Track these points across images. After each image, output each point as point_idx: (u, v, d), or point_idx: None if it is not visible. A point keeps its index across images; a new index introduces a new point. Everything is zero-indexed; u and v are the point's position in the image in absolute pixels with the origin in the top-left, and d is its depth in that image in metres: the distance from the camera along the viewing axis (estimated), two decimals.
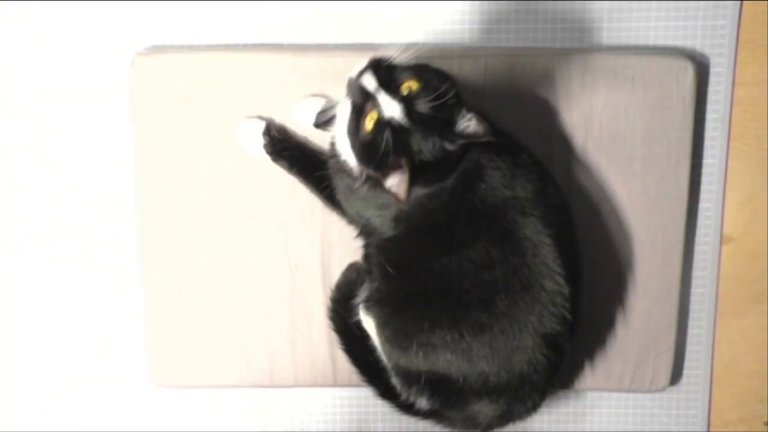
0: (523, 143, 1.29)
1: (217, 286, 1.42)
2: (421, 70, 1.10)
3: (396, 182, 1.09)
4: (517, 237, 1.20)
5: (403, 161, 1.08)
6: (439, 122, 1.08)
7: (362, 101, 1.09)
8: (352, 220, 1.32)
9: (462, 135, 1.09)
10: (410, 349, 1.25)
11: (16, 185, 1.47)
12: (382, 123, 1.07)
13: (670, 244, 1.41)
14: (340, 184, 1.25)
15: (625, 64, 1.37)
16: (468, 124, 1.09)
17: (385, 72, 1.09)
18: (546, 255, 1.20)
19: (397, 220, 1.22)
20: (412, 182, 1.09)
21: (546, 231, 1.20)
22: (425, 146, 1.08)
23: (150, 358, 1.46)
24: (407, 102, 1.07)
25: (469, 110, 1.09)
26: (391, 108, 1.07)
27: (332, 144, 1.24)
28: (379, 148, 1.07)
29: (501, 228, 1.20)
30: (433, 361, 1.25)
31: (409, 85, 1.08)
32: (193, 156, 1.39)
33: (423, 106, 1.07)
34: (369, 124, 1.08)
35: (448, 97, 1.07)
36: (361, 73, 1.09)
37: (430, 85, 1.08)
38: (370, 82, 1.08)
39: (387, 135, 1.06)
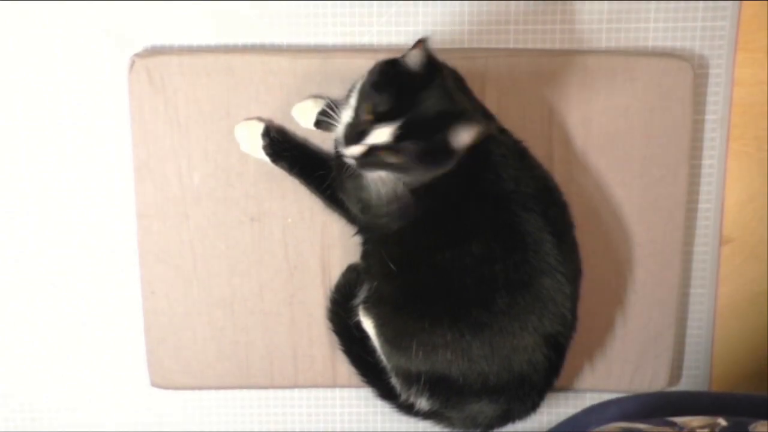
0: (523, 144, 1.29)
1: (217, 287, 1.43)
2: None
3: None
4: (519, 232, 1.20)
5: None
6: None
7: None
8: (354, 218, 1.32)
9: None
10: (410, 349, 1.25)
11: (16, 185, 1.47)
12: None
13: (670, 245, 1.42)
14: (347, 184, 1.25)
15: (625, 65, 1.37)
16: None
17: None
18: (547, 252, 1.21)
19: (402, 212, 1.22)
20: None
21: (547, 228, 1.20)
22: None
23: (150, 359, 1.46)
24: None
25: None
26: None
27: (337, 144, 1.24)
28: None
29: (503, 221, 1.20)
30: (432, 361, 1.25)
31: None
32: (192, 157, 1.39)
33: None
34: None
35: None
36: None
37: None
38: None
39: None
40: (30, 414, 1.56)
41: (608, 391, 1.49)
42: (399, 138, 1.07)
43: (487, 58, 1.36)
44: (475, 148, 1.12)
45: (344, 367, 1.43)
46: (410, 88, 1.08)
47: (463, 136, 1.07)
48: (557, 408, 1.54)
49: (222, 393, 1.53)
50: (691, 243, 1.48)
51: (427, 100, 1.07)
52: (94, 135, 1.45)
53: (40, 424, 1.56)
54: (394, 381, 1.33)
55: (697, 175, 1.46)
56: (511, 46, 1.42)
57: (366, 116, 1.09)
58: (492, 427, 1.32)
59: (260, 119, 1.37)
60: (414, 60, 1.09)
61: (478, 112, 1.21)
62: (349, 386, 1.47)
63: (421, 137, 1.07)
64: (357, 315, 1.34)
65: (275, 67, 1.36)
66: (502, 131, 1.28)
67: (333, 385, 1.48)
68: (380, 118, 1.08)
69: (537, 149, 1.31)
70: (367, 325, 1.32)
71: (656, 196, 1.40)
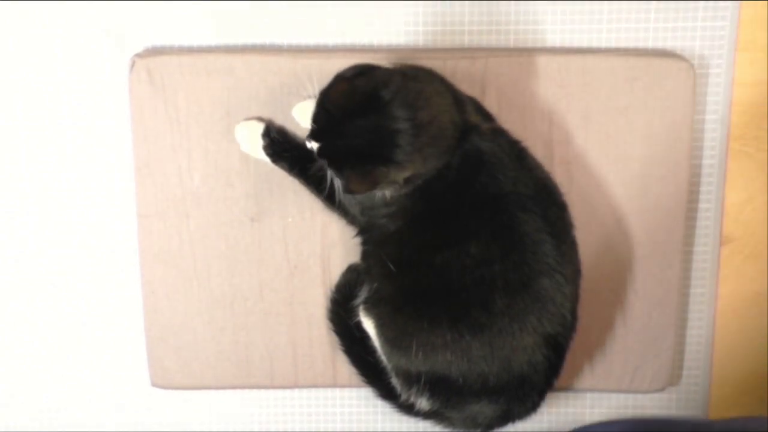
0: (522, 144, 1.29)
1: (217, 287, 1.43)
2: None
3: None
4: (517, 233, 1.20)
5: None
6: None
7: None
8: (353, 219, 1.32)
9: None
10: (410, 349, 1.25)
11: (16, 185, 1.47)
12: None
13: (670, 245, 1.42)
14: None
15: (625, 65, 1.37)
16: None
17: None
18: (546, 253, 1.20)
19: (400, 214, 1.22)
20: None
21: (546, 229, 1.20)
22: None
23: (150, 359, 1.46)
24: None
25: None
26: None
27: None
28: None
29: (501, 222, 1.20)
30: (432, 362, 1.25)
31: None
32: (192, 157, 1.39)
33: None
34: None
35: None
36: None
37: None
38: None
39: None
40: (30, 414, 1.56)
41: (608, 391, 1.50)
42: (321, 155, 1.14)
43: (487, 58, 1.36)
44: (467, 150, 1.14)
45: (344, 367, 1.43)
46: (337, 118, 1.11)
47: (347, 184, 1.13)
48: (557, 408, 1.54)
49: (222, 393, 1.54)
50: (691, 243, 1.48)
51: (350, 133, 1.11)
52: (94, 135, 1.45)
53: (40, 424, 1.56)
54: (395, 381, 1.33)
55: (697, 175, 1.46)
56: (511, 46, 1.42)
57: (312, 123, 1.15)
58: (492, 427, 1.32)
59: (260, 119, 1.37)
60: (330, 102, 1.12)
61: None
62: (350, 386, 1.47)
63: (334, 165, 1.14)
64: (357, 315, 1.34)
65: (275, 67, 1.36)
66: (501, 132, 1.28)
67: (333, 385, 1.48)
68: (312, 134, 1.14)
69: (537, 149, 1.31)
70: (368, 325, 1.32)
71: (656, 196, 1.40)
